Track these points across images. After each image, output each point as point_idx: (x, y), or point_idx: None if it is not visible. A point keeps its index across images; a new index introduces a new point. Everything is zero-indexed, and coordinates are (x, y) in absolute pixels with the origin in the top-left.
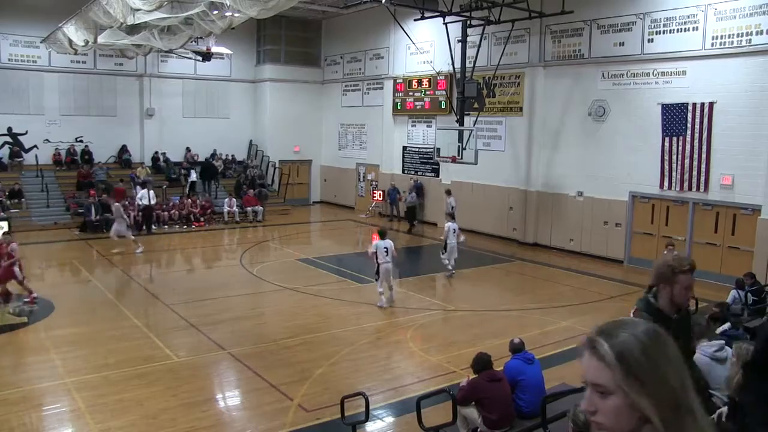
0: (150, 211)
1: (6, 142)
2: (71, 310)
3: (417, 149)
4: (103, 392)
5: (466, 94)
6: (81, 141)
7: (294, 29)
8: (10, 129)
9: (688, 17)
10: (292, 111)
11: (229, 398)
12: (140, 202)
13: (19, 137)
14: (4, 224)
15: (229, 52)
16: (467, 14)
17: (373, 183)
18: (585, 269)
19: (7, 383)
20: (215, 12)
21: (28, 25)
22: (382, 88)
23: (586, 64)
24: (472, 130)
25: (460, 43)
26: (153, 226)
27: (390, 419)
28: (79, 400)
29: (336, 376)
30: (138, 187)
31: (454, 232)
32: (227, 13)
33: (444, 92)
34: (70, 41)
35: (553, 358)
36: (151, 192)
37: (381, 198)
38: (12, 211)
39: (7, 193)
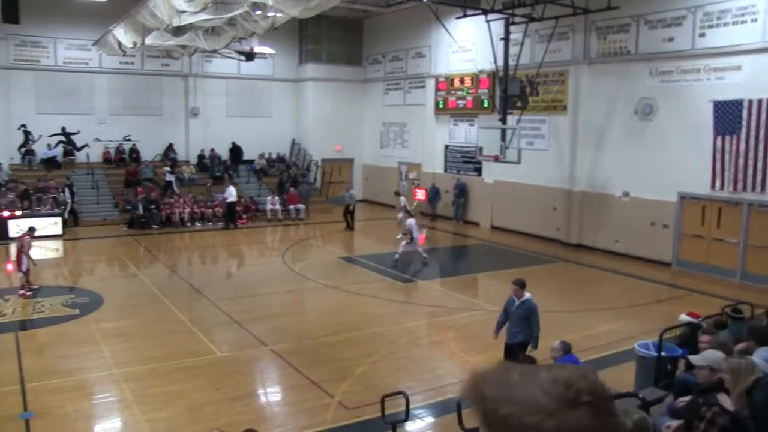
0: (233, 208)
1: (60, 141)
2: (119, 303)
3: (459, 148)
4: (149, 384)
5: (509, 93)
6: (129, 140)
7: (336, 28)
8: (64, 128)
9: (746, 8)
10: (334, 110)
11: (271, 394)
12: (229, 199)
13: (72, 136)
14: (59, 220)
15: (271, 51)
16: (510, 12)
17: (415, 182)
18: (630, 271)
19: (61, 371)
20: (258, 12)
21: (81, 30)
22: (424, 87)
23: (633, 60)
24: (515, 129)
25: (502, 41)
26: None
27: (430, 419)
28: (126, 390)
29: (376, 375)
30: (229, 186)
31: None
32: (270, 14)
33: (486, 91)
34: (120, 43)
35: (598, 362)
36: (234, 189)
37: (424, 197)
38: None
39: (60, 190)
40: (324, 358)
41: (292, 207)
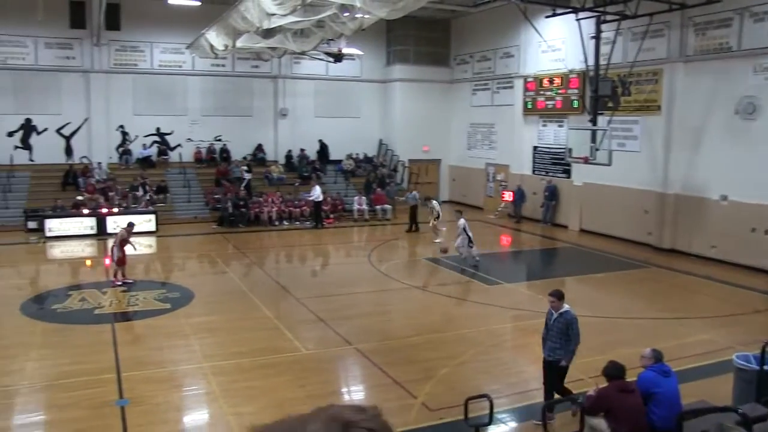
0: (319, 207)
1: (155, 142)
2: (209, 299)
3: (548, 149)
4: (235, 378)
5: (600, 93)
6: (219, 140)
7: (423, 29)
8: (158, 129)
9: None
10: (422, 110)
11: (354, 392)
12: (317, 199)
13: (166, 137)
14: (153, 217)
15: (359, 53)
16: (601, 9)
17: (503, 183)
18: (728, 279)
19: (154, 362)
20: (346, 14)
21: (175, 34)
22: (512, 87)
23: (735, 57)
24: (605, 130)
25: (593, 40)
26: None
27: (514, 424)
28: (214, 384)
29: (461, 377)
30: (315, 186)
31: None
32: (357, 15)
33: (576, 91)
34: (212, 46)
35: (691, 373)
36: (320, 189)
37: (511, 198)
38: (158, 205)
39: (154, 189)
40: (408, 359)
41: (378, 207)
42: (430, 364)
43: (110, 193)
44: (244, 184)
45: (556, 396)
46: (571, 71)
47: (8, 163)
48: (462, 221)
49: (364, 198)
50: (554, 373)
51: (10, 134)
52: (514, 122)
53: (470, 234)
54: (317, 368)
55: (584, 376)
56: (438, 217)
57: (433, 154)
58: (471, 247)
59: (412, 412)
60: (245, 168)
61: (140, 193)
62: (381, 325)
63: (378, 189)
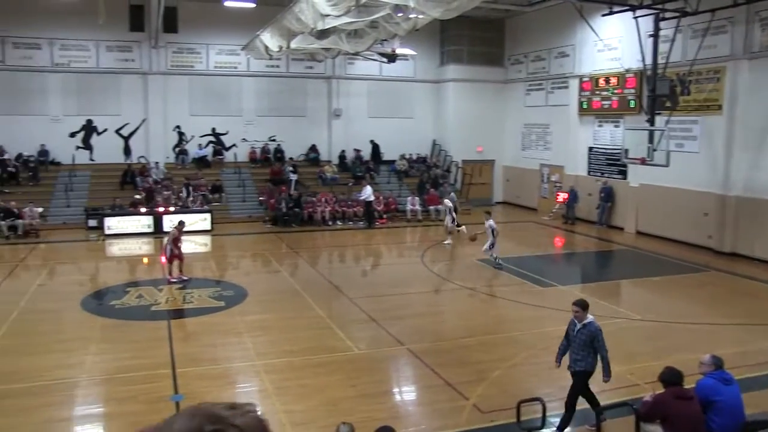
0: (371, 207)
1: (210, 142)
2: (262, 297)
3: (603, 150)
4: (287, 376)
5: (658, 92)
6: (274, 140)
7: (477, 29)
8: (214, 129)
9: None
10: (475, 111)
11: (405, 393)
12: (368, 199)
13: (221, 137)
14: (208, 216)
15: (413, 53)
16: (660, 7)
17: (557, 184)
18: None
19: (208, 359)
20: (400, 14)
21: (230, 35)
22: (567, 87)
23: None
24: (663, 131)
25: (651, 38)
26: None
27: (567, 428)
28: (266, 381)
29: (513, 379)
30: (366, 186)
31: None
32: (411, 15)
33: (633, 90)
34: (266, 47)
35: (755, 382)
36: (371, 189)
37: (565, 200)
38: (214, 204)
39: (210, 188)
40: (460, 360)
41: (432, 208)
42: (482, 366)
43: (166, 193)
44: (293, 186)
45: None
46: (627, 70)
47: (70, 163)
48: (490, 222)
49: (417, 198)
50: (580, 383)
51: (72, 135)
52: (569, 122)
53: (494, 237)
54: (369, 368)
55: (640, 381)
56: (455, 212)
57: (487, 155)
58: (491, 248)
59: (464, 414)
60: (291, 169)
61: (184, 194)
62: (433, 325)
63: (431, 189)
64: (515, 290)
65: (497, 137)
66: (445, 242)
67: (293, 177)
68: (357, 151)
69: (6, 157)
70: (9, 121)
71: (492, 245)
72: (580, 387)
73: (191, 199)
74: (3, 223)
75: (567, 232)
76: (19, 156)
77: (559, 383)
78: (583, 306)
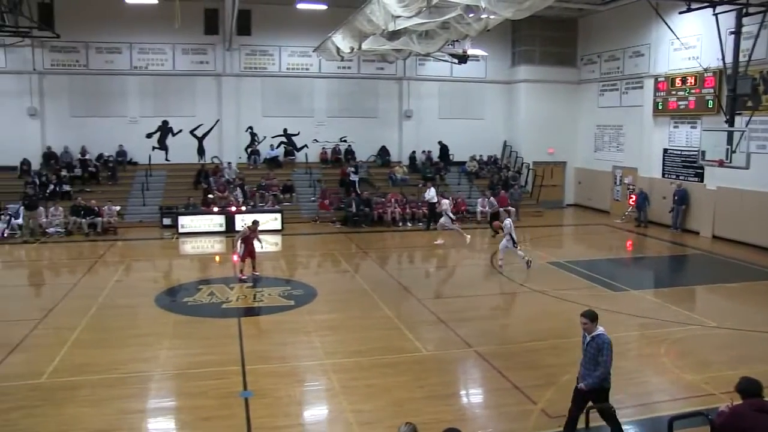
0: (433, 208)
1: (282, 142)
2: (331, 297)
3: (679, 152)
4: (355, 376)
5: (738, 92)
6: (345, 141)
7: (549, 29)
8: (285, 130)
9: None
10: (547, 112)
11: (473, 395)
12: (431, 200)
13: (293, 137)
14: (279, 216)
15: (484, 54)
16: (743, 2)
17: (630, 187)
18: None
19: (277, 357)
20: (471, 15)
21: (302, 37)
22: (641, 87)
23: None
24: (743, 131)
25: (732, 35)
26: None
27: None
28: (334, 380)
29: None
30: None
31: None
32: (483, 16)
33: (712, 90)
34: (338, 49)
35: None
36: (434, 191)
37: (634, 202)
38: (284, 204)
39: (281, 188)
40: (528, 364)
41: (502, 209)
42: (551, 370)
43: (237, 192)
44: (356, 186)
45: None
46: (706, 69)
47: (146, 163)
48: (508, 221)
49: (487, 200)
50: (581, 402)
51: (149, 135)
52: (643, 123)
53: (514, 236)
54: (437, 369)
55: (715, 391)
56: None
57: (559, 156)
58: (516, 247)
59: (531, 419)
60: (352, 170)
61: (237, 193)
62: (501, 328)
63: (502, 191)
64: (586, 294)
65: (569, 138)
66: (437, 241)
67: (354, 178)
68: (429, 152)
69: (87, 157)
70: (90, 122)
71: (514, 243)
72: (604, 398)
73: (241, 199)
74: (83, 220)
75: (640, 235)
76: (100, 156)
77: (630, 390)
78: (591, 317)
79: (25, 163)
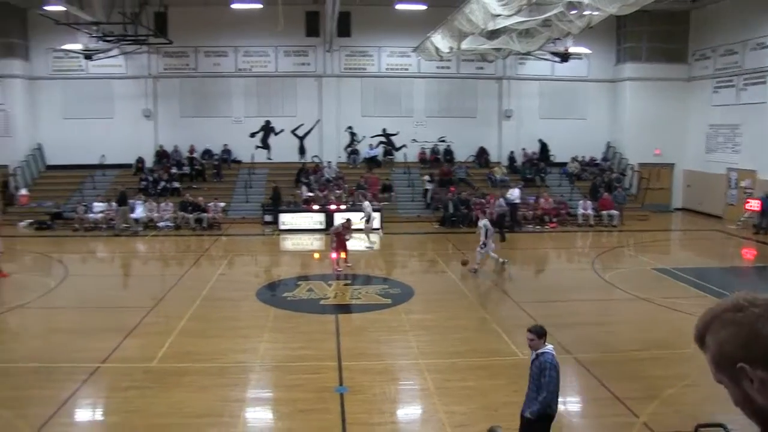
0: (516, 211)
1: (381, 142)
2: (427, 296)
3: None
4: (450, 377)
5: None
6: (443, 141)
7: (657, 24)
8: (384, 130)
9: None
10: (654, 111)
11: (570, 403)
12: (514, 201)
13: (392, 137)
14: (377, 215)
15: (587, 51)
16: None
17: (748, 190)
18: None
19: (372, 354)
20: (573, 12)
21: (401, 38)
22: (764, 83)
23: None
24: None
25: None
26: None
27: None
28: (429, 380)
29: (690, 400)
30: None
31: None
32: (586, 12)
33: None
34: (437, 49)
35: None
36: (518, 191)
37: (758, 208)
38: (383, 203)
39: (380, 188)
40: (630, 374)
41: (605, 213)
42: (655, 382)
43: (338, 191)
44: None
45: None
46: None
47: (250, 162)
48: (483, 221)
49: (589, 203)
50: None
51: (252, 135)
52: (764, 122)
53: (487, 237)
54: None
55: None
56: (368, 220)
57: (666, 158)
58: (482, 249)
59: None
60: (427, 178)
61: (302, 191)
62: (603, 336)
63: (605, 194)
64: (695, 303)
65: (678, 139)
66: (367, 245)
67: (429, 186)
68: (531, 153)
69: (195, 155)
70: (198, 122)
71: (484, 245)
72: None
73: (310, 195)
74: (191, 216)
75: (759, 243)
76: (206, 153)
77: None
78: (537, 333)
79: (140, 161)
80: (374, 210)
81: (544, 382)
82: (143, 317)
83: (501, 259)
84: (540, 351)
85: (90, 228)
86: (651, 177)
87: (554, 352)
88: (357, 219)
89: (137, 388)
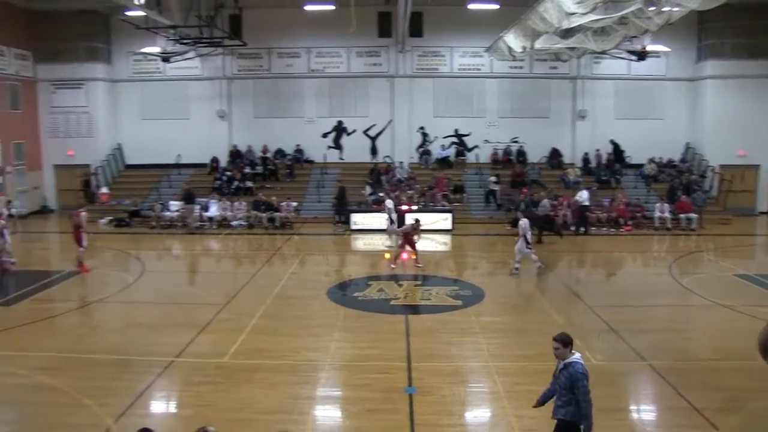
0: (585, 211)
1: (453, 143)
2: (499, 299)
3: None
4: (519, 381)
5: None
6: (516, 141)
7: (742, 18)
8: (456, 130)
9: None
10: (737, 110)
11: (644, 411)
12: (584, 203)
13: (464, 138)
14: (449, 215)
15: (665, 49)
16: None
17: None
18: None
19: (442, 356)
20: (652, 8)
21: (474, 38)
22: None
23: None
24: None
25: None
26: (583, 228)
27: None
28: (498, 383)
29: None
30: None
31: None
32: (665, 9)
33: None
34: (509, 48)
35: None
36: (587, 193)
37: None
38: (455, 204)
39: (452, 188)
40: (709, 384)
41: (683, 216)
42: (736, 393)
43: (410, 192)
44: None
45: None
46: None
47: (322, 161)
48: (524, 221)
49: (667, 205)
50: None
51: (325, 135)
52: None
53: (529, 237)
54: (605, 381)
55: None
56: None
57: (751, 159)
58: (530, 249)
59: None
60: (493, 179)
61: (367, 192)
62: (680, 343)
63: (683, 196)
64: None
65: (764, 139)
66: (386, 244)
67: (495, 188)
68: (607, 154)
69: (268, 155)
70: (271, 123)
71: (528, 244)
72: None
73: (371, 194)
74: (264, 215)
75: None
76: (279, 153)
77: None
78: (563, 342)
79: (214, 160)
80: (444, 211)
81: (579, 393)
82: (216, 314)
83: (516, 264)
84: (568, 360)
85: (166, 226)
86: (734, 179)
87: (582, 361)
88: (429, 219)
89: (210, 383)
